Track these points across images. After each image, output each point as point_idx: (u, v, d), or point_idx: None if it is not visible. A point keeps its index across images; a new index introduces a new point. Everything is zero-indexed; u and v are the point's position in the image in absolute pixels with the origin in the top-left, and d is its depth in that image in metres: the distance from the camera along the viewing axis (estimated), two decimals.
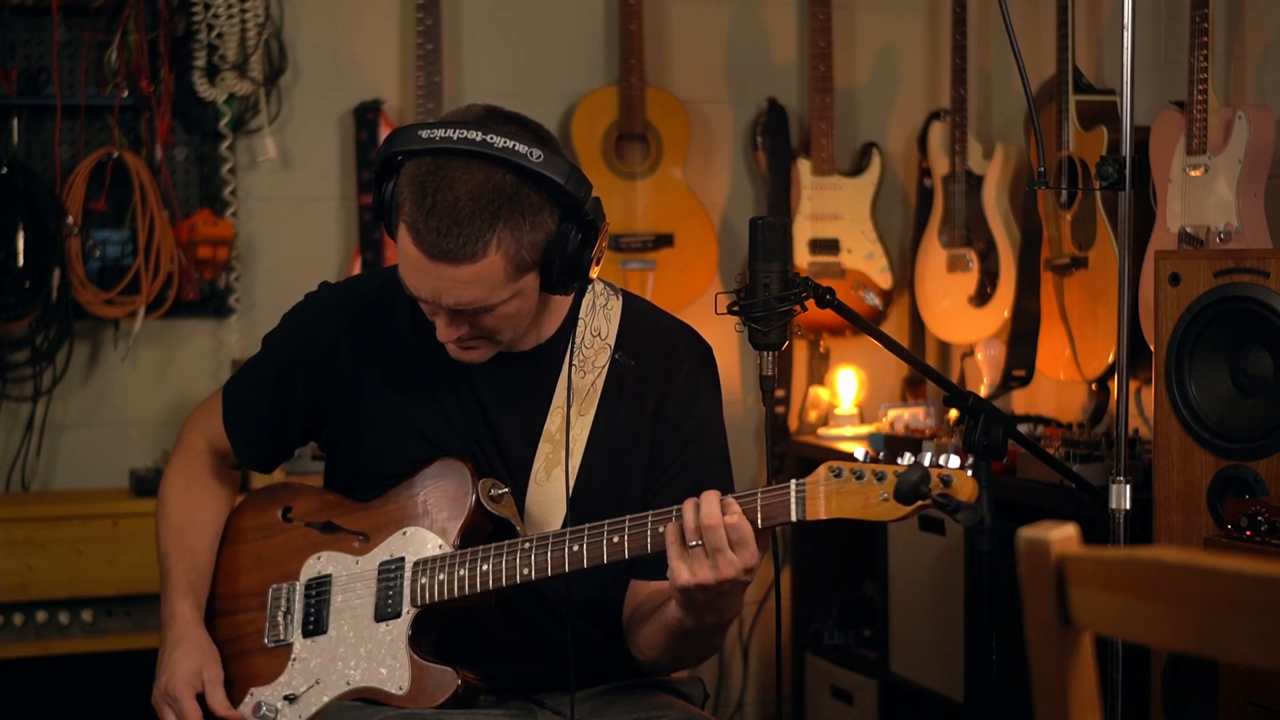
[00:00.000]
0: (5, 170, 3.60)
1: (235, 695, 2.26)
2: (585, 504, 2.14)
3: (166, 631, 2.28)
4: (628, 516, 2.00)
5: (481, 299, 2.04)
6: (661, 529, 1.97)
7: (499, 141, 2.00)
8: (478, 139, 2.00)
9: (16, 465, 3.75)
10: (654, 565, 2.04)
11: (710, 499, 1.95)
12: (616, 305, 2.26)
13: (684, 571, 1.96)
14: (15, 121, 3.68)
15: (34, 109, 3.69)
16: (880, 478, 1.88)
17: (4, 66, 3.66)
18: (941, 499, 1.85)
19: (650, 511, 2.00)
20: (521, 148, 2.00)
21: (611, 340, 2.23)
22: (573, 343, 2.21)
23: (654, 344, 2.25)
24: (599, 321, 2.23)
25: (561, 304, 2.22)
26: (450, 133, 2.00)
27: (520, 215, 2.01)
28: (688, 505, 1.97)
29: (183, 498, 2.37)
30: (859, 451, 1.94)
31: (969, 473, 1.90)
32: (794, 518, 1.91)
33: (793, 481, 1.92)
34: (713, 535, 1.94)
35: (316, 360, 2.27)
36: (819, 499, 1.90)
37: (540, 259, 2.04)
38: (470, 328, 2.09)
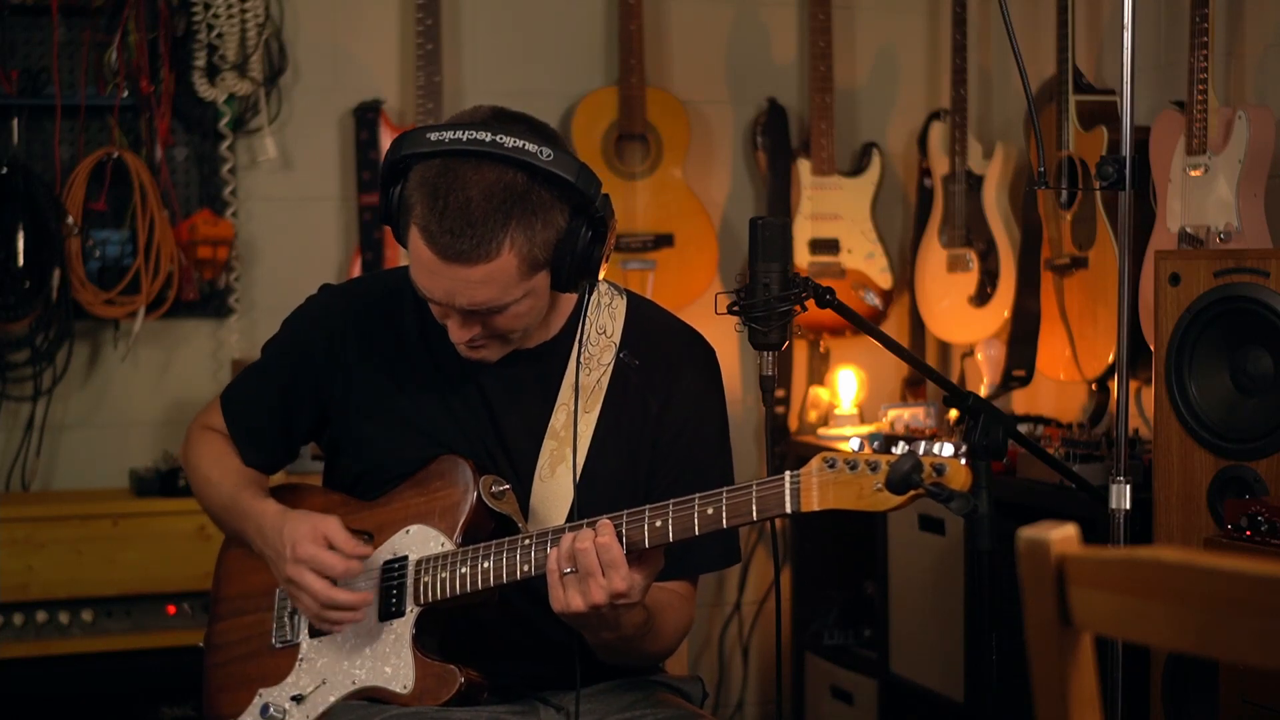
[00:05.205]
0: (5, 170, 3.60)
1: (244, 695, 2.26)
2: (589, 500, 2.14)
3: (265, 528, 2.20)
4: (625, 511, 2.00)
5: (495, 299, 2.04)
6: (659, 522, 1.97)
7: (509, 141, 2.00)
8: (487, 139, 2.00)
9: (16, 465, 3.75)
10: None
11: (590, 529, 1.97)
12: (621, 304, 2.27)
13: (558, 600, 1.99)
14: (15, 121, 3.68)
15: (34, 109, 3.69)
16: (874, 468, 1.87)
17: (4, 66, 3.66)
18: (934, 488, 1.84)
19: (647, 506, 2.00)
20: (531, 146, 2.01)
21: (616, 339, 2.24)
22: (582, 337, 2.21)
23: (658, 345, 2.26)
24: (604, 320, 2.24)
25: (567, 302, 2.22)
26: (460, 134, 2.01)
27: (532, 214, 2.01)
28: (566, 534, 1.99)
29: (218, 463, 2.35)
30: (854, 442, 1.94)
31: (962, 461, 1.89)
32: (789, 509, 1.91)
33: (787, 473, 1.91)
34: (584, 559, 1.96)
35: (321, 363, 2.27)
36: (813, 490, 1.89)
37: (552, 257, 2.05)
38: (483, 328, 2.10)
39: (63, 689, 3.50)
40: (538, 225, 2.02)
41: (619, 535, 1.97)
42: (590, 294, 2.22)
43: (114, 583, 3.51)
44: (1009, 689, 2.07)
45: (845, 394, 4.21)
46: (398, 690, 2.12)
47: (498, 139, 2.00)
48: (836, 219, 4.16)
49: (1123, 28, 2.64)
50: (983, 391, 3.91)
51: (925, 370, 2.35)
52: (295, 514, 2.19)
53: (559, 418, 2.21)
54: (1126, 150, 2.62)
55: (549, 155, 2.01)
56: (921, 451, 1.88)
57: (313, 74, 3.96)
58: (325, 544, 2.13)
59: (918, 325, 4.24)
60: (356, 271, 3.87)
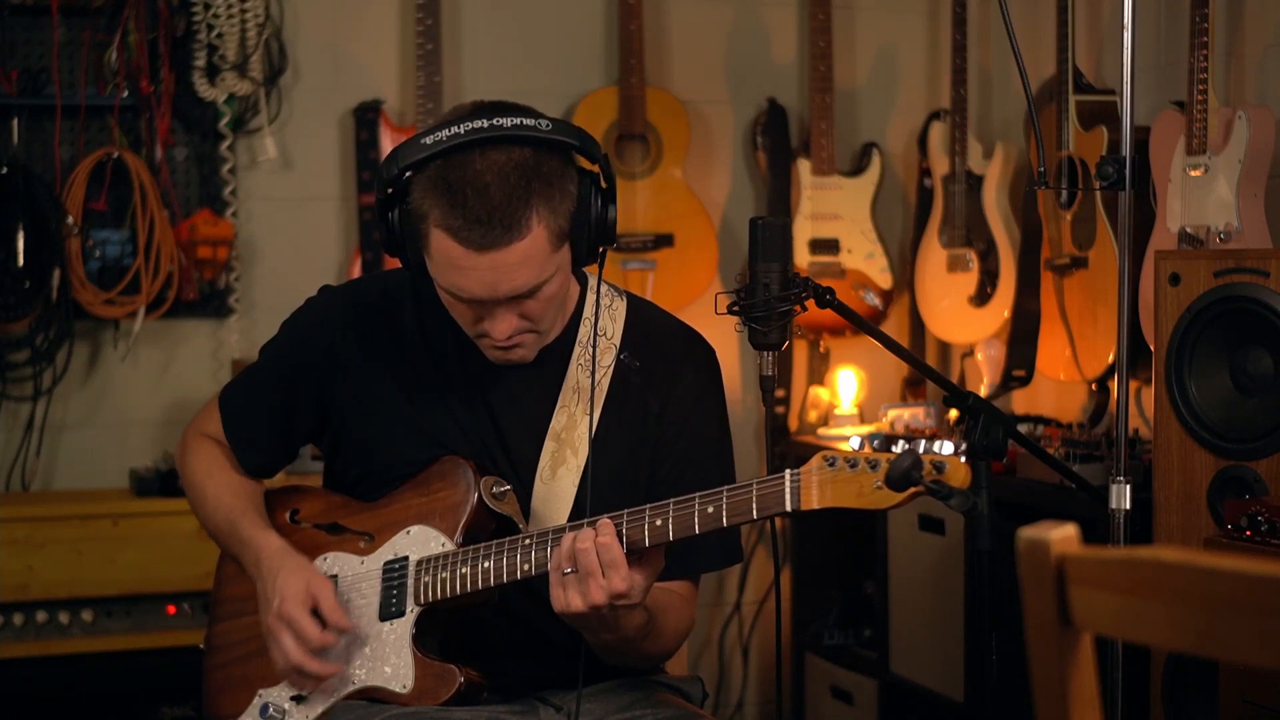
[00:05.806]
0: (5, 170, 3.60)
1: (244, 696, 2.26)
2: (591, 501, 2.14)
3: (262, 564, 2.20)
4: (626, 510, 2.00)
5: (534, 279, 2.04)
6: (659, 521, 1.97)
7: (506, 121, 2.01)
8: (485, 125, 2.00)
9: (16, 465, 3.75)
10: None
11: (590, 528, 1.97)
12: (621, 306, 2.27)
13: (559, 600, 1.98)
14: (15, 121, 3.68)
15: (34, 109, 3.69)
16: (874, 466, 1.87)
17: (4, 66, 3.66)
18: (934, 485, 1.84)
19: (647, 505, 2.00)
20: (529, 120, 2.01)
21: (617, 340, 2.24)
22: (594, 336, 2.21)
23: (659, 346, 2.26)
24: (604, 321, 2.24)
25: (568, 304, 2.22)
26: (456, 129, 2.01)
27: (549, 184, 2.02)
28: (567, 534, 1.99)
29: (213, 478, 2.34)
30: (854, 440, 1.93)
31: (962, 459, 1.89)
32: (789, 507, 1.91)
33: (787, 471, 1.91)
34: (585, 559, 1.96)
35: (320, 364, 2.27)
36: (813, 488, 1.89)
37: (571, 226, 2.05)
38: (521, 320, 2.09)
39: (63, 689, 3.50)
40: (556, 195, 2.03)
41: (619, 535, 1.97)
42: (602, 267, 2.21)
43: (114, 583, 3.51)
44: (1009, 689, 2.07)
45: (845, 394, 4.21)
46: (397, 690, 2.13)
47: (495, 122, 2.00)
48: (836, 219, 4.16)
49: (1123, 28, 2.64)
50: (983, 391, 3.91)
51: (925, 370, 2.35)
52: (292, 564, 2.18)
53: (560, 419, 2.21)
54: (1126, 150, 2.62)
55: (547, 125, 2.02)
56: (921, 450, 1.88)
57: (313, 74, 3.96)
58: (312, 606, 2.13)
59: (918, 325, 4.24)
60: (356, 271, 3.87)
